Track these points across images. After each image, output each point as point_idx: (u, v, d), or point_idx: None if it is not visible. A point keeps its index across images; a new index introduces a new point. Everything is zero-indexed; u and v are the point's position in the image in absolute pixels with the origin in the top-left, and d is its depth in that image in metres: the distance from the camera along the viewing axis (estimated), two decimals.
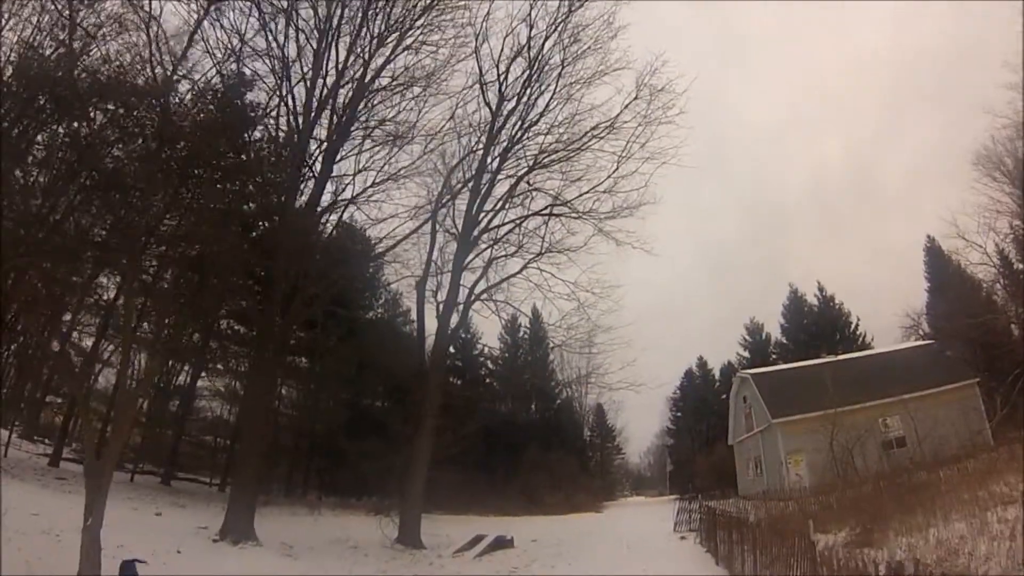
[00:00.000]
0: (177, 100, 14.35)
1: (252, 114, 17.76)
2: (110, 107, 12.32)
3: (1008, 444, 20.42)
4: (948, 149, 76.14)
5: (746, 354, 53.81)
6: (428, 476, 35.90)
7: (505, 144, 22.96)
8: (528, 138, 23.02)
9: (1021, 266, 32.01)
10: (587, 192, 22.35)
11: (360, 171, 20.55)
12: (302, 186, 19.57)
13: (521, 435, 44.62)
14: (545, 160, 22.58)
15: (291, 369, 34.57)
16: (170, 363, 27.79)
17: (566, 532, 23.54)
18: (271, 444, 33.78)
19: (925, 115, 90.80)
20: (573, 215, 22.65)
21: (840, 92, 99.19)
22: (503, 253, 22.79)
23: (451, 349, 46.21)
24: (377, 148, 20.78)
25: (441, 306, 21.66)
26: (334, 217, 21.75)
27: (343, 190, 20.80)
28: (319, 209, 19.89)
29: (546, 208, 22.75)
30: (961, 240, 30.32)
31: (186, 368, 30.68)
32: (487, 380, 49.90)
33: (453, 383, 46.27)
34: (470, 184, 22.71)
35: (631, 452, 73.61)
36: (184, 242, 13.43)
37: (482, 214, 22.56)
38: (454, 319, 22.40)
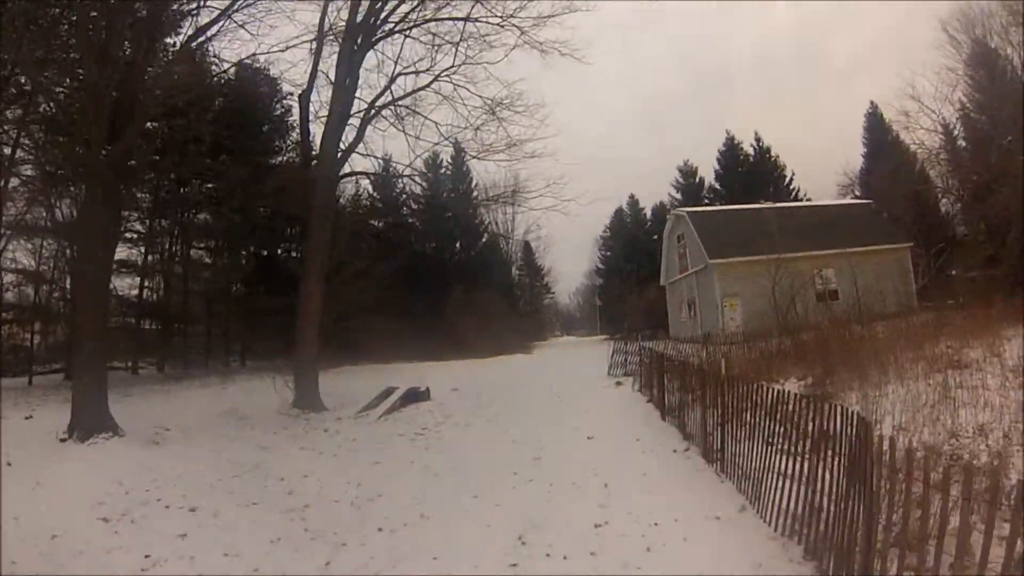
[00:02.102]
0: None
1: None
2: None
3: (932, 311, 20.10)
4: (901, 35, 74.57)
5: (679, 196, 53.12)
6: (348, 325, 34.69)
7: None
8: None
9: (964, 143, 31.64)
10: None
11: None
12: None
13: (446, 276, 43.36)
14: None
15: (189, 224, 31.14)
16: None
17: (491, 379, 22.11)
18: (179, 312, 31.45)
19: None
20: (494, 19, 18.99)
21: None
22: (411, 70, 19.26)
23: (369, 189, 44.03)
24: None
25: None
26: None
27: None
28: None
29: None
30: (915, 103, 29.44)
31: None
32: (409, 220, 47.48)
33: (373, 225, 44.36)
34: None
35: (560, 292, 74.37)
36: None
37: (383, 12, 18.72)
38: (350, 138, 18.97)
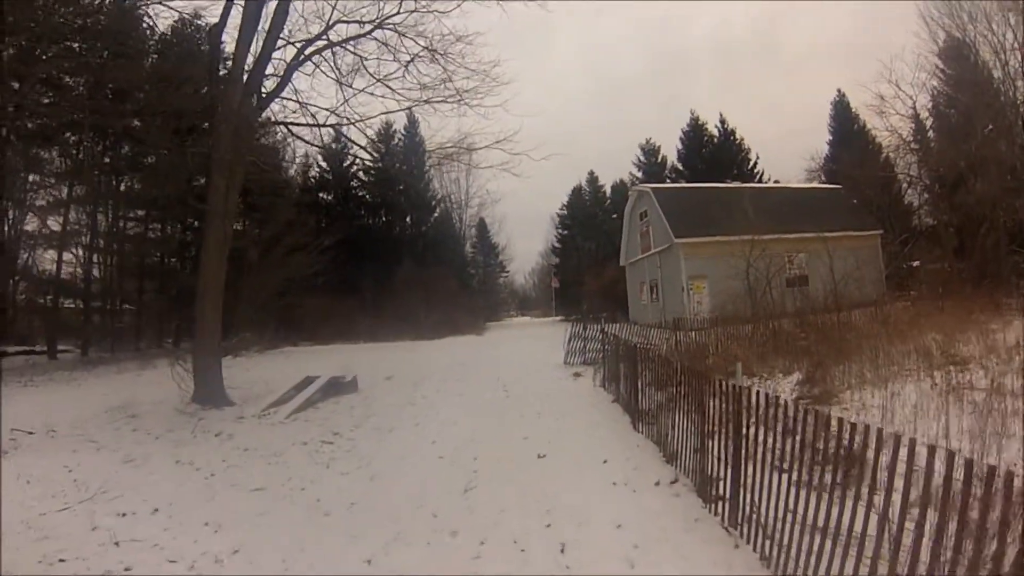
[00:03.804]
0: None
1: None
2: None
3: (905, 300, 19.73)
4: (861, 28, 72.76)
5: (640, 175, 51.16)
6: (287, 303, 31.94)
7: None
8: None
9: (932, 134, 31.03)
10: None
11: None
12: None
13: (396, 251, 41.20)
14: None
15: (114, 193, 27.71)
16: None
17: (435, 364, 19.75)
18: (104, 289, 28.22)
19: None
20: None
21: None
22: (353, 18, 16.48)
23: (318, 159, 41.07)
24: None
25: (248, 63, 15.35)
26: None
27: None
28: None
29: None
30: (892, 87, 28.06)
31: None
32: (359, 194, 45.36)
33: (321, 197, 43.15)
34: None
35: (516, 271, 72.44)
36: None
37: None
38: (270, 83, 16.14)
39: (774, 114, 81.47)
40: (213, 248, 14.36)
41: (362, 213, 44.90)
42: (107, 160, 27.48)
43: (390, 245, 41.91)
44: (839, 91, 46.48)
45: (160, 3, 16.53)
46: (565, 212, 57.35)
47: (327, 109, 16.73)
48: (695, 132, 50.70)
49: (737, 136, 49.97)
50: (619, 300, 37.41)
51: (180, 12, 18.46)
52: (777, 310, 17.80)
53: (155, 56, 23.89)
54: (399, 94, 16.75)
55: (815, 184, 37.41)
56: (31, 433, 10.41)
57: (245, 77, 15.61)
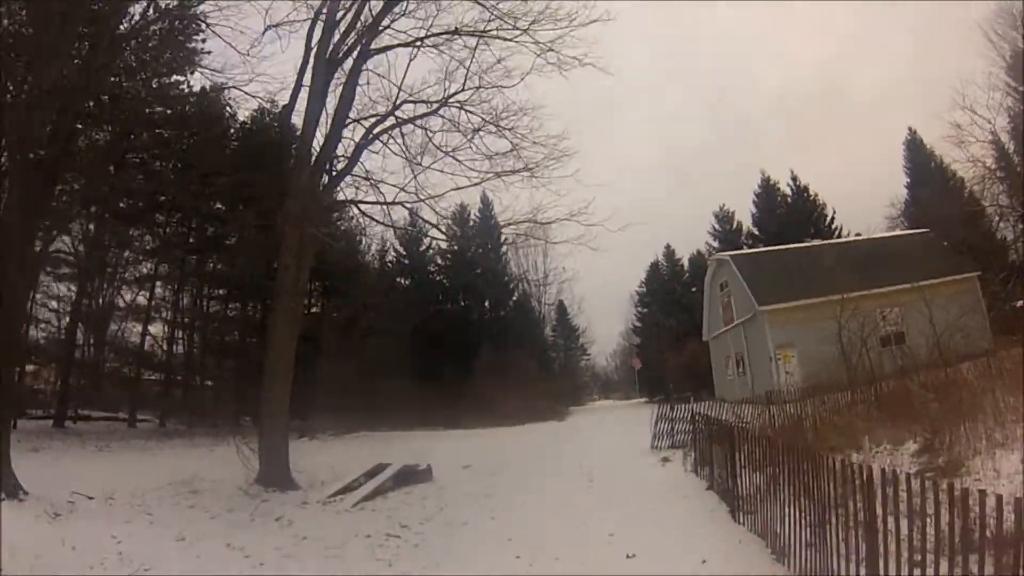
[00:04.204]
0: None
1: None
2: None
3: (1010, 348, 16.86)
4: (922, 60, 72.57)
5: (716, 244, 49.73)
6: (364, 387, 32.04)
7: None
8: None
9: (1017, 158, 28.55)
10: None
11: None
12: None
13: (474, 336, 40.72)
14: None
15: (198, 271, 29.14)
16: None
17: (514, 451, 19.05)
18: (185, 363, 29.40)
19: (899, 25, 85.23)
20: (507, 31, 16.75)
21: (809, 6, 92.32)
22: (419, 98, 16.99)
23: (396, 244, 42.07)
24: None
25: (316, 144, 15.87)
26: None
27: None
28: None
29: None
30: (967, 113, 26.10)
31: None
32: (436, 279, 45.40)
33: (399, 282, 43.14)
34: None
35: (598, 354, 71.01)
36: None
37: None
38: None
39: (847, 166, 79.25)
40: (282, 326, 14.48)
41: (440, 297, 44.60)
42: (191, 240, 28.85)
43: (468, 329, 41.54)
44: (910, 129, 44.76)
45: (236, 88, 17.47)
46: (643, 290, 55.97)
47: (395, 186, 16.90)
48: (767, 193, 49.20)
49: (811, 192, 48.17)
50: (704, 377, 35.84)
51: (256, 97, 19.58)
52: (876, 373, 16.44)
53: (236, 142, 25.45)
54: (466, 166, 16.91)
55: (899, 232, 35.00)
56: (91, 498, 10.34)
57: (314, 157, 16.18)
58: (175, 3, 16.41)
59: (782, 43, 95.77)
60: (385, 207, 16.91)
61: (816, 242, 30.97)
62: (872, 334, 20.12)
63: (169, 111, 21.77)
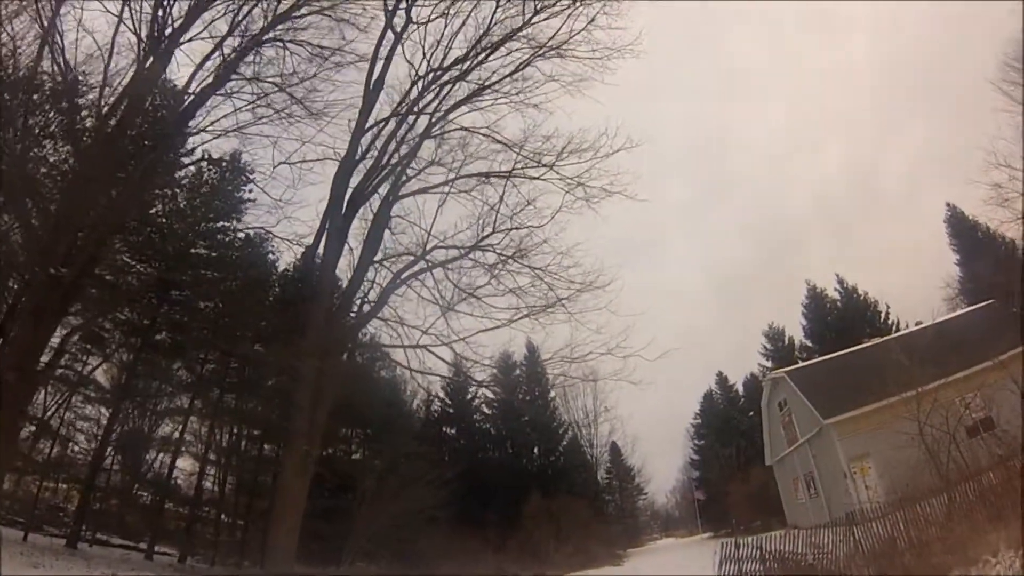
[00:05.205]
0: None
1: None
2: None
3: None
4: (944, 141, 73.42)
5: (768, 364, 47.74)
6: (404, 535, 30.11)
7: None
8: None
9: None
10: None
11: None
12: None
13: (521, 483, 39.08)
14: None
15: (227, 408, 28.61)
16: None
17: None
18: (212, 499, 28.21)
19: (917, 111, 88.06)
20: (533, 169, 16.77)
21: (830, 104, 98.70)
22: (450, 244, 16.96)
23: (440, 393, 41.36)
24: None
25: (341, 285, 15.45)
26: None
27: None
28: None
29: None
30: (1004, 170, 24.80)
31: None
32: (483, 427, 44.96)
33: (445, 431, 42.84)
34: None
35: (655, 491, 67.73)
36: None
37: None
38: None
39: (892, 256, 76.73)
40: (292, 470, 13.34)
41: (487, 446, 43.86)
42: (228, 379, 28.49)
43: (516, 477, 39.96)
44: (948, 204, 44.37)
45: (264, 228, 17.82)
46: (699, 421, 54.16)
47: (416, 327, 16.41)
48: (816, 302, 47.74)
49: (860, 292, 46.59)
50: (771, 504, 32.97)
51: (287, 240, 19.92)
52: (971, 469, 14.16)
53: (278, 288, 25.98)
54: (496, 307, 16.68)
55: (962, 311, 31.84)
56: None
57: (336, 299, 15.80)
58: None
59: (807, 148, 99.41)
60: (414, 350, 16.50)
61: (876, 340, 28.75)
62: (959, 426, 17.67)
63: (214, 253, 23.05)
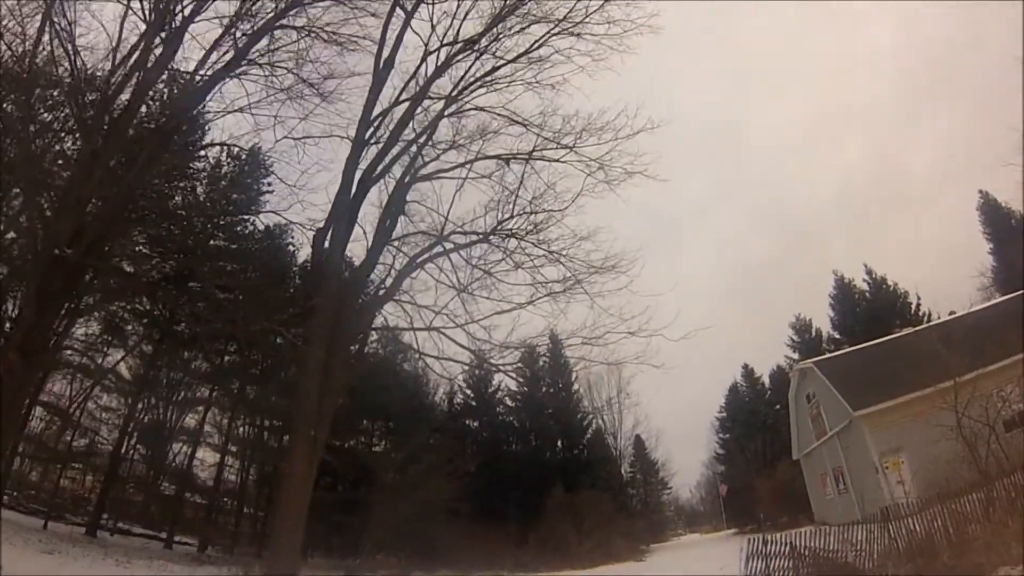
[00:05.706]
0: None
1: None
2: None
3: None
4: (972, 128, 71.42)
5: (795, 356, 46.51)
6: (424, 527, 30.00)
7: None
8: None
9: None
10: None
11: None
12: None
13: (544, 476, 38.60)
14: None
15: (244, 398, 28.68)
16: None
17: None
18: (232, 489, 28.41)
19: (939, 104, 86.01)
20: (552, 151, 16.43)
21: (852, 94, 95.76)
22: (469, 229, 16.68)
23: (463, 386, 41.18)
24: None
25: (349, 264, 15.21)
26: None
27: None
28: None
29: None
30: None
31: None
32: (506, 420, 44.31)
33: (467, 424, 42.48)
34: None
35: (680, 486, 67.03)
36: None
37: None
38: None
39: (922, 246, 74.85)
40: (298, 458, 12.91)
41: (510, 439, 43.33)
42: (248, 370, 28.52)
43: (539, 470, 39.48)
44: (981, 191, 43.44)
45: (276, 213, 18.09)
46: (724, 415, 53.14)
47: (428, 308, 16.04)
48: (844, 293, 46.46)
49: (889, 283, 45.19)
50: (799, 499, 32.23)
51: (300, 226, 19.78)
52: (1012, 463, 13.48)
53: (298, 279, 25.84)
54: (513, 290, 16.30)
55: (997, 299, 30.81)
56: None
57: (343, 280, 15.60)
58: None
59: (831, 137, 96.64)
60: (430, 335, 16.17)
61: (908, 330, 27.80)
62: (998, 419, 16.89)
63: (233, 245, 23.59)
